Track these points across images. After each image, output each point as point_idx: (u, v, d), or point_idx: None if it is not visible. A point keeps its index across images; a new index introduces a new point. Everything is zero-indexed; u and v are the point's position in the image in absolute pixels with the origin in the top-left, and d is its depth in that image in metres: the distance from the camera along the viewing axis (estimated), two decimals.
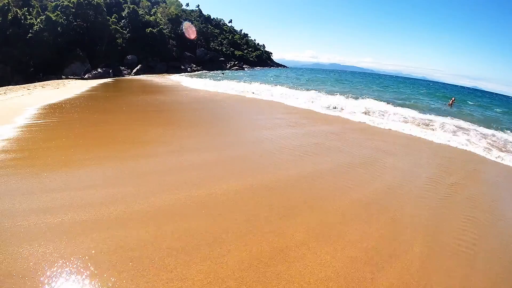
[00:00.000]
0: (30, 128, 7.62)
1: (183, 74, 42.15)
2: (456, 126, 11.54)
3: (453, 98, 22.66)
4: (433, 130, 10.89)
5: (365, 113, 13.12)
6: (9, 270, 2.67)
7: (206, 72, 46.83)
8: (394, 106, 15.62)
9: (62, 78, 30.03)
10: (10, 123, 8.04)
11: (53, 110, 10.52)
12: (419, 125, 11.47)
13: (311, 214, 4.08)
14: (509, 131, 12.27)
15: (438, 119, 12.69)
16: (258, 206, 4.17)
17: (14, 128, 7.56)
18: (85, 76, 32.66)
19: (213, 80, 29.11)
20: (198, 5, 73.69)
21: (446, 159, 7.55)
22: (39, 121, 8.49)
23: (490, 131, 11.47)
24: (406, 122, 11.97)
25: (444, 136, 9.95)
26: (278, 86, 22.88)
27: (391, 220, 4.09)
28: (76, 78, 30.83)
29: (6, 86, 20.96)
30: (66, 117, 9.32)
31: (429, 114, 13.98)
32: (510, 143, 9.82)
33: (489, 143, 9.51)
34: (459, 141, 9.31)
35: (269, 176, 5.29)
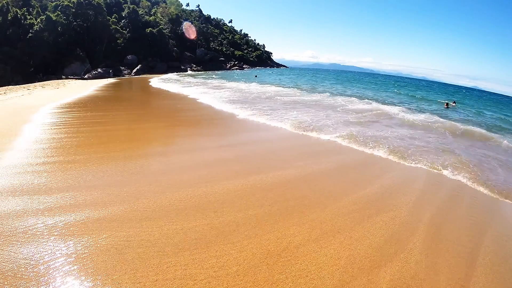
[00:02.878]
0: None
1: (184, 73, 42.24)
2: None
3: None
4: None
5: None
6: (10, 270, 2.66)
7: (206, 73, 46.86)
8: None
9: (62, 78, 30.03)
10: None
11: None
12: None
13: (314, 212, 4.07)
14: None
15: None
16: (261, 205, 4.16)
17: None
18: (85, 76, 32.66)
19: (213, 81, 29.30)
20: (198, 5, 73.84)
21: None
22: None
23: None
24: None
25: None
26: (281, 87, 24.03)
27: (391, 219, 4.08)
28: (76, 78, 30.83)
29: (6, 86, 20.97)
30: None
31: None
32: None
33: None
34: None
35: (271, 175, 5.28)
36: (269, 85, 25.79)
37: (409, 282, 2.92)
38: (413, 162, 6.67)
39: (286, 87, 24.37)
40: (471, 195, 5.31)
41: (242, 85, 24.39)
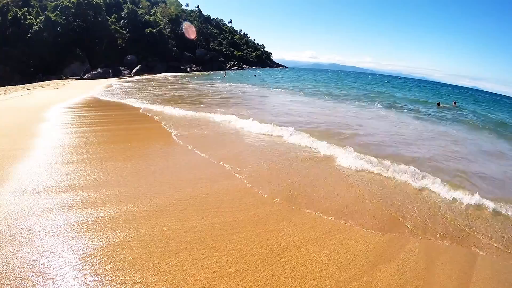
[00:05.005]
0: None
1: (182, 73, 42.37)
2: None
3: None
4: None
5: None
6: (9, 270, 2.65)
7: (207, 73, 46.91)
8: None
9: (61, 78, 30.01)
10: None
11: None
12: None
13: (315, 211, 4.07)
14: None
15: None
16: (261, 205, 4.15)
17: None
18: (85, 76, 32.65)
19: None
20: (198, 5, 73.66)
21: None
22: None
23: None
24: None
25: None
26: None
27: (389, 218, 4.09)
28: (75, 78, 30.81)
29: (6, 86, 20.95)
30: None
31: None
32: None
33: None
34: None
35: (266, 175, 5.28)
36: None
37: (409, 282, 2.92)
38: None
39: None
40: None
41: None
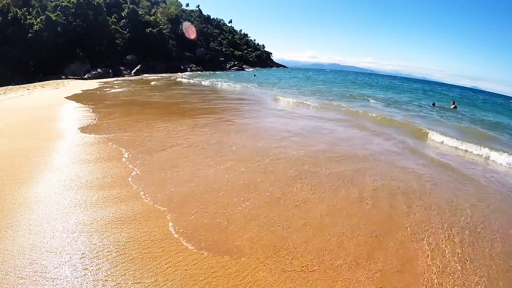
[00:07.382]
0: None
1: (184, 73, 42.34)
2: None
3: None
4: None
5: None
6: (9, 270, 2.66)
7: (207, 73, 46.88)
8: None
9: (62, 78, 29.99)
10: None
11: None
12: None
13: (315, 212, 4.07)
14: None
15: None
16: (261, 206, 4.16)
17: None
18: (85, 76, 32.60)
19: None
20: (198, 5, 73.68)
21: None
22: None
23: None
24: None
25: None
26: None
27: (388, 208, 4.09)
28: (76, 78, 30.79)
29: (6, 86, 20.95)
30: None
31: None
32: None
33: None
34: None
35: (271, 175, 5.28)
36: None
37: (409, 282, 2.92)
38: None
39: None
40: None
41: None
